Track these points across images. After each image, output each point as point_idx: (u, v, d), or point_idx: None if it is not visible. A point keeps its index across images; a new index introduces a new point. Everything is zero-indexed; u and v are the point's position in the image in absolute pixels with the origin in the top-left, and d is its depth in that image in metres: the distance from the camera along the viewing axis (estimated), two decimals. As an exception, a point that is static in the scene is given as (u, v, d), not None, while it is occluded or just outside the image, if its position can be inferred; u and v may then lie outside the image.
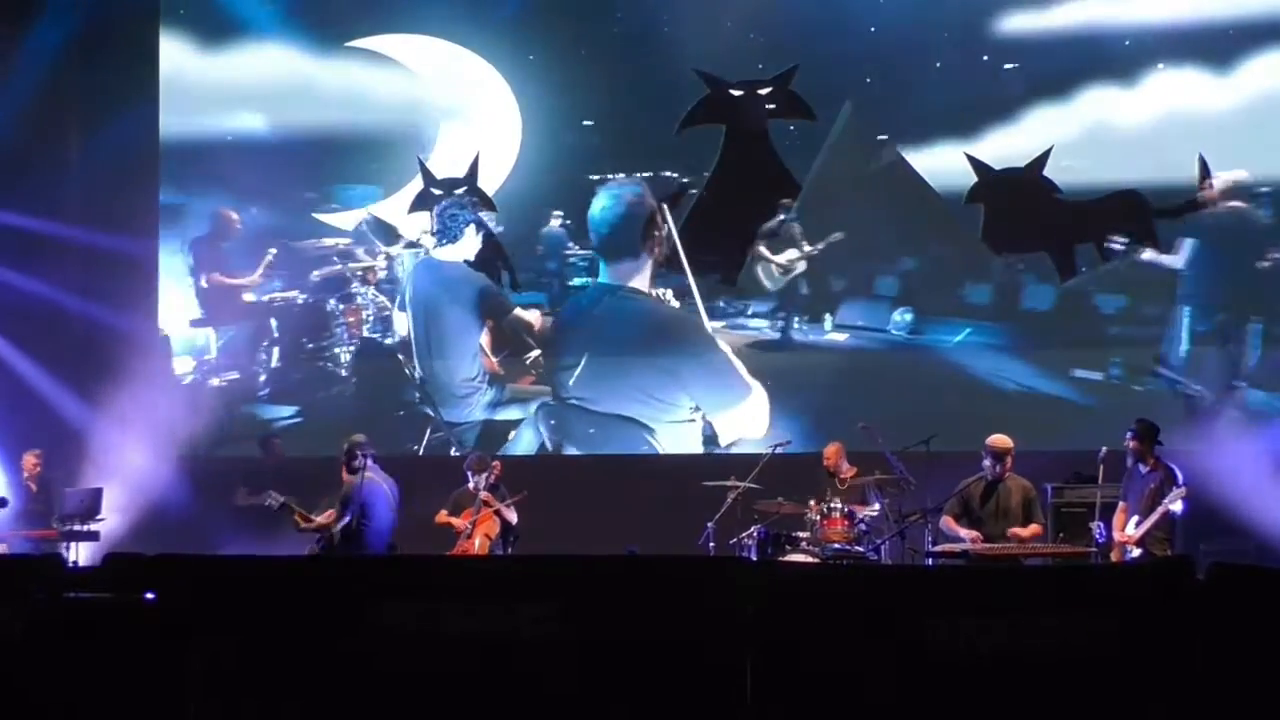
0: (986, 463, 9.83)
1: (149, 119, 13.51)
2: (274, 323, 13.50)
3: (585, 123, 13.60)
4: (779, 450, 11.23)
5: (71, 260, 13.24)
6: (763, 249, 13.45)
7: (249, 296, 13.43)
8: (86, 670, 5.39)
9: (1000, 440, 9.87)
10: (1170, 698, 4.90)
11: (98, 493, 12.17)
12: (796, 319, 13.51)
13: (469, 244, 13.51)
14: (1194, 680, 4.90)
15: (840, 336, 13.40)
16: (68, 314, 13.10)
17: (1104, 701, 4.94)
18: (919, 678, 5.02)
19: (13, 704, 5.35)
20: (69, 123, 13.50)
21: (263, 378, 13.54)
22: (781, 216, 13.37)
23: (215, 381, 13.48)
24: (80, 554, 11.70)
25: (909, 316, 13.12)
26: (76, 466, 12.72)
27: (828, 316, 13.42)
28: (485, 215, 13.54)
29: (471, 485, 11.07)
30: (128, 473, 12.76)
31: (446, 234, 13.51)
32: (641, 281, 13.56)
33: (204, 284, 13.49)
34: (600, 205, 13.64)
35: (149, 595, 5.60)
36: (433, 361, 13.41)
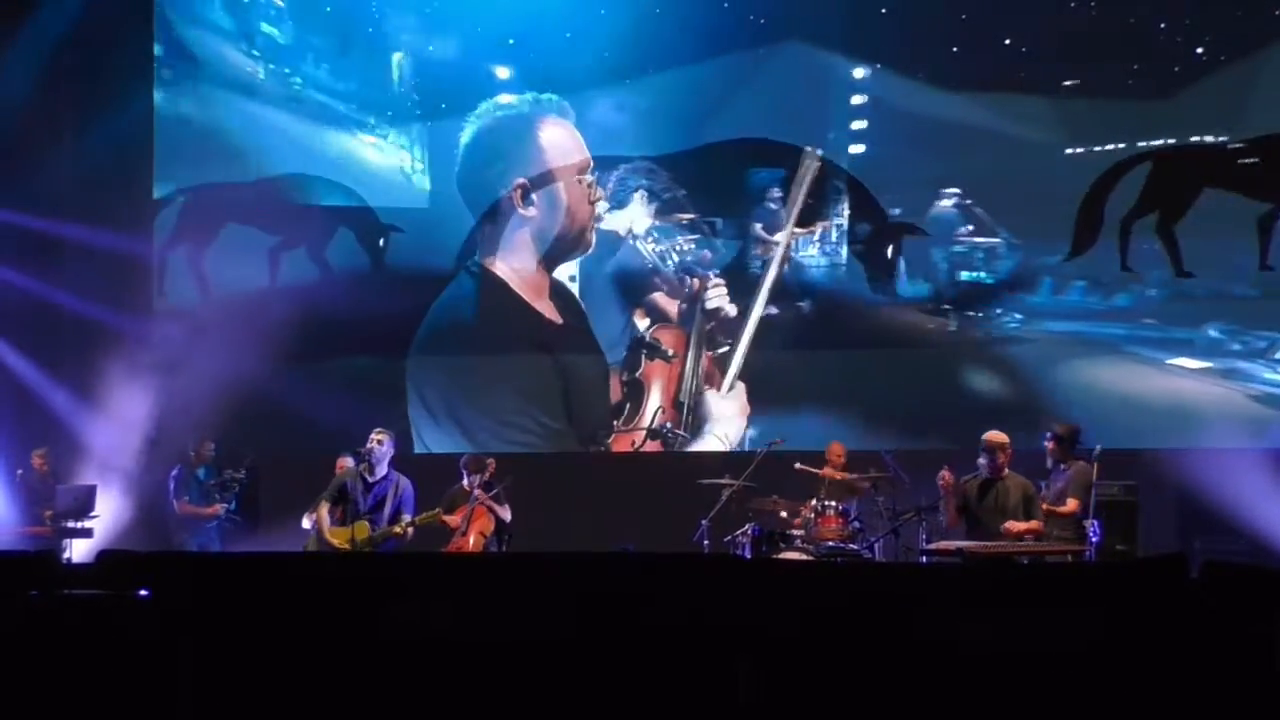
0: (982, 460, 9.78)
1: (144, 113, 13.51)
2: None
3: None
4: (773, 448, 11.22)
5: (65, 256, 13.23)
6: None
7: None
8: (81, 668, 5.38)
9: (995, 436, 9.79)
10: (1162, 695, 4.91)
11: (91, 489, 12.18)
12: None
13: (636, 211, 12.52)
14: (1186, 678, 4.91)
15: None
16: (61, 310, 13.08)
17: (1096, 699, 4.95)
18: (912, 675, 5.02)
19: (6, 701, 5.34)
20: (64, 118, 13.47)
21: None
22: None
23: None
24: (75, 551, 11.72)
25: None
26: (69, 463, 12.70)
27: None
28: (653, 184, 12.50)
29: (466, 483, 11.07)
30: (121, 469, 12.76)
31: (614, 199, 12.63)
32: (517, 260, 11.95)
33: None
34: (467, 130, 12.18)
35: (143, 592, 5.59)
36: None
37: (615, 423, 12.59)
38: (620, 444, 12.47)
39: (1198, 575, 5.34)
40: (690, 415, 12.15)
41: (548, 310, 12.67)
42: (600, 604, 5.24)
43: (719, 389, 12.00)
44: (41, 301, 12.93)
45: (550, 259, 12.46)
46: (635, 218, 12.52)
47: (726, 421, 12.09)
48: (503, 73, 12.67)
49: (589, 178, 12.30)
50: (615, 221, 12.59)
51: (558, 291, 12.77)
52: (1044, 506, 9.65)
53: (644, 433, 12.22)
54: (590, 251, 12.76)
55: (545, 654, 5.16)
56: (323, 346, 12.97)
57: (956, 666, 4.99)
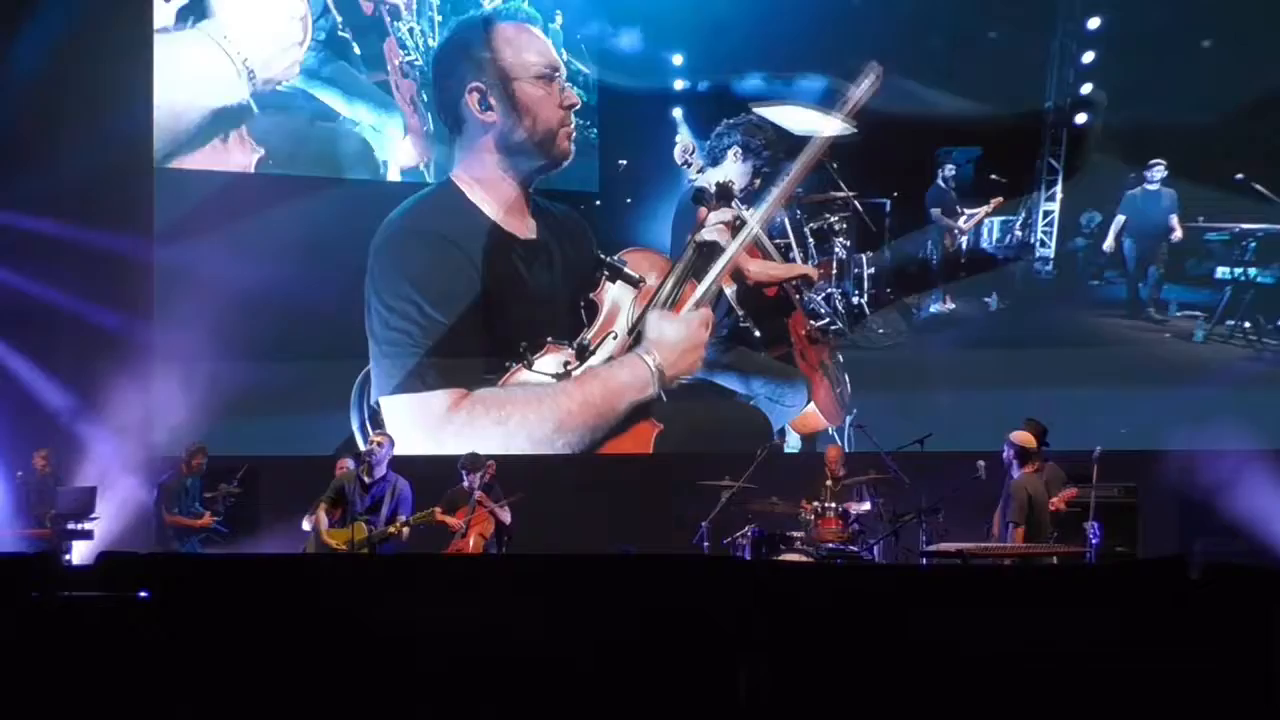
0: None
1: (144, 114, 13.48)
2: None
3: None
4: (766, 450, 11.20)
5: (65, 257, 13.20)
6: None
7: None
8: (81, 669, 5.38)
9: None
10: (1162, 696, 4.91)
11: (91, 491, 12.17)
12: None
13: (730, 168, 11.98)
14: (1186, 679, 4.91)
15: None
16: (61, 311, 13.06)
17: (1097, 699, 4.95)
18: (912, 677, 5.02)
19: (6, 703, 5.34)
20: (63, 118, 13.44)
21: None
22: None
23: None
24: (75, 553, 11.71)
25: None
26: (70, 464, 12.70)
27: None
28: (749, 140, 11.83)
29: (466, 484, 11.06)
30: (122, 471, 12.74)
31: (709, 155, 12.17)
32: (480, 169, 11.14)
33: None
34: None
35: (143, 594, 5.60)
36: None
37: (549, 339, 11.89)
38: (548, 362, 11.81)
39: (1198, 577, 5.35)
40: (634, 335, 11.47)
41: (515, 224, 11.99)
42: (600, 606, 5.24)
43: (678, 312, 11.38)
44: (39, 302, 12.92)
45: (521, 171, 11.71)
46: (730, 175, 12.08)
47: (665, 348, 11.37)
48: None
49: (559, 81, 11.63)
50: (710, 179, 12.12)
51: (543, 210, 12.05)
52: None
53: (572, 350, 11.75)
54: (569, 161, 11.97)
55: (545, 656, 5.16)
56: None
57: (957, 668, 4.99)
